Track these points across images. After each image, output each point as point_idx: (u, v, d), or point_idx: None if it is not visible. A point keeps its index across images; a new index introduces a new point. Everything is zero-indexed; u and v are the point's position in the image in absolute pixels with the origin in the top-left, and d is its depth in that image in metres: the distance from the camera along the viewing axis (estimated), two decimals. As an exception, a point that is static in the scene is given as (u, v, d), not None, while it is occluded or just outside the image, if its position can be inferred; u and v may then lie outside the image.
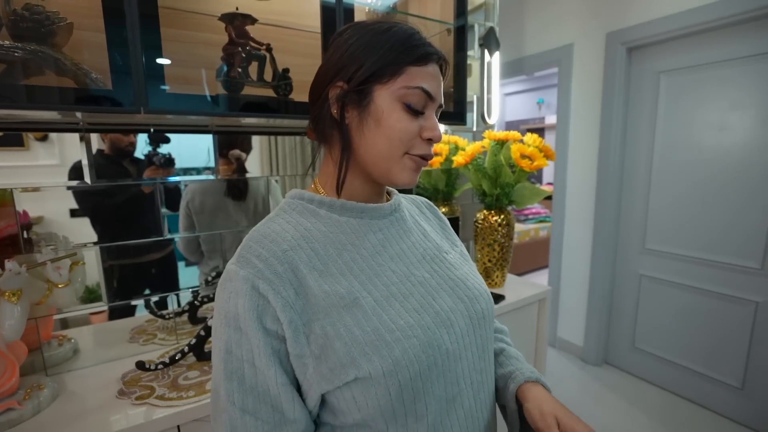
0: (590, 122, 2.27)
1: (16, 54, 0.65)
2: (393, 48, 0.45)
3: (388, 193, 0.59)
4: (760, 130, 1.69)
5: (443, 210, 1.59)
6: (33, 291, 0.82)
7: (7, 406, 0.74)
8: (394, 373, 0.41)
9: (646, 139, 2.09)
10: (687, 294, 1.99)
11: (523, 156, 1.28)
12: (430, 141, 0.48)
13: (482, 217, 1.42)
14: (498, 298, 1.32)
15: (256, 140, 1.19)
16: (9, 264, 0.71)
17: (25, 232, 0.90)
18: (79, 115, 0.86)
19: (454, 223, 1.50)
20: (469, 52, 1.62)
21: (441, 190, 1.61)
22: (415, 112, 0.46)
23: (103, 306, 1.01)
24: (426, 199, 0.68)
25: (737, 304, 1.81)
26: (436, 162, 1.54)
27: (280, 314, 0.41)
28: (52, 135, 0.93)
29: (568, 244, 2.48)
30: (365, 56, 0.45)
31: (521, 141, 1.34)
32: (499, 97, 1.76)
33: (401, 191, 0.63)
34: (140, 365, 0.86)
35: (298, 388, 0.43)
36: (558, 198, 2.51)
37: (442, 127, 1.57)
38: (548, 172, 5.05)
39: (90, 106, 0.74)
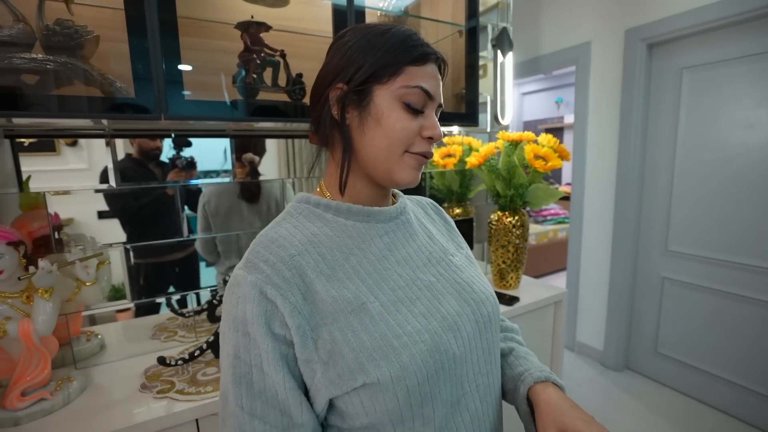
0: (609, 121, 2.22)
1: (48, 66, 0.69)
2: (391, 49, 0.46)
3: (394, 196, 0.59)
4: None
5: (457, 211, 1.59)
6: (63, 288, 0.86)
7: (40, 396, 0.78)
8: (402, 378, 0.41)
9: (667, 138, 2.03)
10: (713, 298, 1.92)
11: (537, 156, 1.27)
12: (431, 139, 0.49)
13: (496, 218, 1.41)
14: (512, 299, 1.31)
15: (272, 143, 1.22)
16: (42, 263, 0.76)
17: (56, 233, 0.95)
18: (104, 121, 0.91)
19: (468, 224, 1.50)
20: (483, 53, 1.62)
21: (455, 191, 1.61)
22: (414, 111, 0.47)
23: (128, 304, 1.06)
24: (431, 200, 0.68)
25: (767, 309, 1.73)
26: (450, 163, 1.54)
27: (288, 319, 0.41)
28: (81, 140, 0.98)
29: (587, 245, 2.42)
30: (364, 57, 0.46)
31: (535, 141, 1.33)
32: (515, 97, 1.75)
33: (407, 192, 0.64)
34: (161, 361, 0.90)
35: (306, 392, 0.44)
36: (576, 198, 2.46)
37: (455, 129, 1.57)
38: (567, 173, 4.96)
39: (115, 113, 0.78)
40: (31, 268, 0.78)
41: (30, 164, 0.92)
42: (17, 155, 0.91)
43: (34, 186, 0.92)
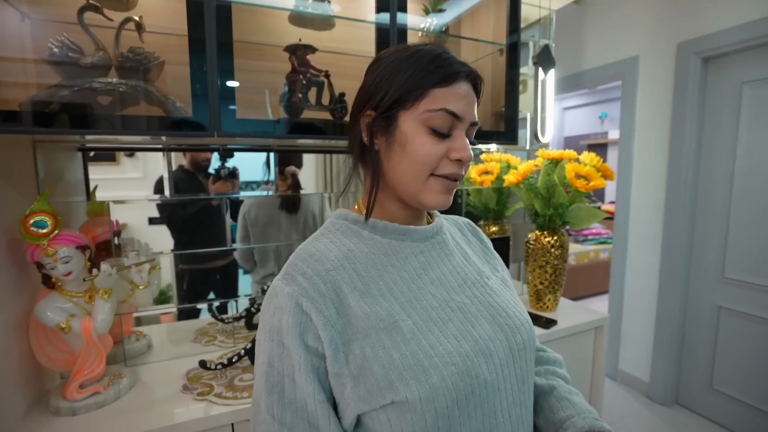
0: (658, 137, 2.11)
1: (120, 88, 0.77)
2: (416, 72, 0.45)
3: (430, 215, 0.59)
4: None
5: (493, 229, 1.56)
6: (120, 290, 0.93)
7: (95, 389, 0.85)
8: (431, 399, 0.40)
9: (725, 155, 1.90)
10: (778, 332, 1.75)
11: (579, 176, 1.23)
12: (459, 162, 0.47)
13: (534, 237, 1.37)
14: (549, 322, 1.26)
15: (310, 157, 1.27)
16: (104, 266, 0.83)
17: (115, 238, 1.03)
18: (163, 137, 0.99)
19: (505, 243, 1.47)
20: (523, 69, 1.60)
21: (492, 208, 1.58)
22: (440, 135, 0.46)
23: (172, 308, 1.13)
24: (468, 220, 0.67)
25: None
26: (487, 180, 1.53)
27: (321, 332, 0.42)
28: (138, 152, 1.07)
29: (632, 268, 2.29)
30: (390, 83, 0.46)
31: (577, 160, 1.29)
32: (556, 112, 1.71)
33: (444, 211, 0.63)
34: (202, 364, 0.95)
35: (335, 407, 0.44)
36: (620, 218, 2.34)
37: (493, 146, 1.55)
38: (611, 190, 4.73)
39: (174, 131, 0.85)
40: (94, 271, 0.85)
41: (93, 173, 1.02)
42: (87, 166, 1.01)
43: (99, 195, 1.01)
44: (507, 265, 1.55)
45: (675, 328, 2.08)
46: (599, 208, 1.38)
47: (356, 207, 0.55)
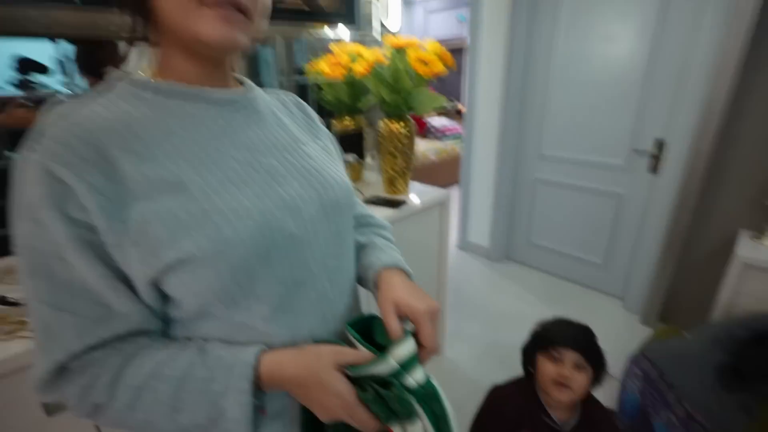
0: (499, 38, 2.28)
1: None
2: None
3: (242, 83, 0.54)
4: (636, 40, 1.84)
5: (347, 123, 1.57)
6: None
7: None
8: (223, 252, 0.40)
9: (545, 52, 2.18)
10: (570, 192, 2.28)
11: (420, 61, 1.27)
12: None
13: (384, 126, 1.42)
14: (400, 203, 1.39)
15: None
16: None
17: None
18: None
19: (358, 136, 1.49)
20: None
21: (345, 102, 1.56)
22: None
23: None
24: (296, 96, 0.64)
25: (607, 197, 2.13)
26: (338, 72, 1.47)
27: (84, 201, 0.37)
28: None
29: (477, 156, 2.64)
30: None
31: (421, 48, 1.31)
32: (419, 17, 1.66)
33: (258, 83, 0.58)
34: (1, 300, 0.79)
35: (129, 282, 0.41)
36: (469, 114, 2.59)
37: (347, 37, 1.45)
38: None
39: None
40: None
41: None
42: None
43: None
44: (361, 156, 1.61)
45: (507, 201, 2.56)
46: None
47: (141, 71, 0.46)
